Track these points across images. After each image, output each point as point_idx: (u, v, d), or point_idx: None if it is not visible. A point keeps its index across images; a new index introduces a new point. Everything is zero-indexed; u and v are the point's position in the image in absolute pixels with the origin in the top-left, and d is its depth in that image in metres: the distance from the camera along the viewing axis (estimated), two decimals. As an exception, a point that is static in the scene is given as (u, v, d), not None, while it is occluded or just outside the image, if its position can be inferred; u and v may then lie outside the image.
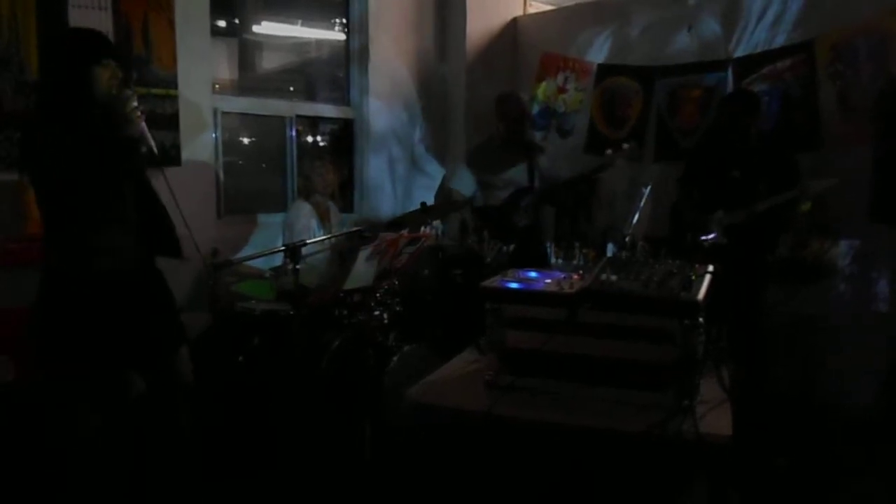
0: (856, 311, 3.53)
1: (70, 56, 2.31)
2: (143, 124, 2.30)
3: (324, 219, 3.90)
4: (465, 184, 4.16)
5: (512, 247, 3.21)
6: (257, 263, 3.42)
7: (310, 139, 4.94)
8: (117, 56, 2.36)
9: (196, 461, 2.63)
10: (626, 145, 3.75)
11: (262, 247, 3.57)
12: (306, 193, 3.97)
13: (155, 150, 2.35)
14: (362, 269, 3.16)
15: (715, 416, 1.79)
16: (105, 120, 2.28)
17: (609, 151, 3.79)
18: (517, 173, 4.05)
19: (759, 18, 3.96)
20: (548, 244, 2.39)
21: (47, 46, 2.28)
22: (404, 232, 3.47)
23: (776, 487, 2.74)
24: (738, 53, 4.06)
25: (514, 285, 2.05)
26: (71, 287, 2.30)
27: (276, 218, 4.21)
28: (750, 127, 3.49)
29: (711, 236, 3.36)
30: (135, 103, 2.28)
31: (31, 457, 2.75)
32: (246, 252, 3.89)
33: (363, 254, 3.13)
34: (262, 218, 4.37)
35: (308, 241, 3.12)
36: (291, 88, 4.98)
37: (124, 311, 2.33)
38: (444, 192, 4.72)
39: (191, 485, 2.57)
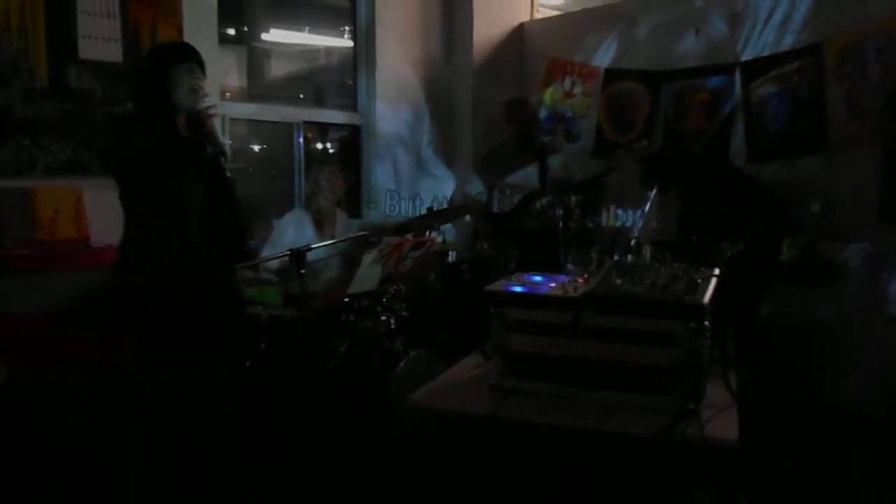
0: (865, 314, 3.49)
1: (150, 59, 2.47)
2: (213, 124, 2.37)
3: (327, 225, 3.89)
4: (481, 187, 4.15)
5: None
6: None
7: (318, 145, 4.96)
8: (199, 60, 2.47)
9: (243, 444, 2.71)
10: (636, 144, 3.74)
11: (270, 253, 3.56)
12: (314, 199, 3.97)
13: (225, 150, 2.42)
14: (367, 274, 3.16)
15: (721, 420, 1.78)
16: (185, 120, 2.38)
17: (619, 151, 3.78)
18: (529, 177, 4.04)
19: (767, 19, 3.95)
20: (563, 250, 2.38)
21: (142, 57, 2.53)
22: (409, 236, 3.47)
23: (784, 492, 2.71)
24: (746, 55, 4.04)
25: (518, 289, 2.04)
26: (142, 280, 2.36)
27: (284, 224, 4.20)
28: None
29: None
30: (206, 104, 2.37)
31: (24, 453, 2.77)
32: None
33: (367, 258, 3.12)
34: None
35: (314, 246, 3.13)
36: (301, 96, 5.00)
37: (192, 305, 2.39)
38: (460, 196, 4.70)
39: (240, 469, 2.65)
